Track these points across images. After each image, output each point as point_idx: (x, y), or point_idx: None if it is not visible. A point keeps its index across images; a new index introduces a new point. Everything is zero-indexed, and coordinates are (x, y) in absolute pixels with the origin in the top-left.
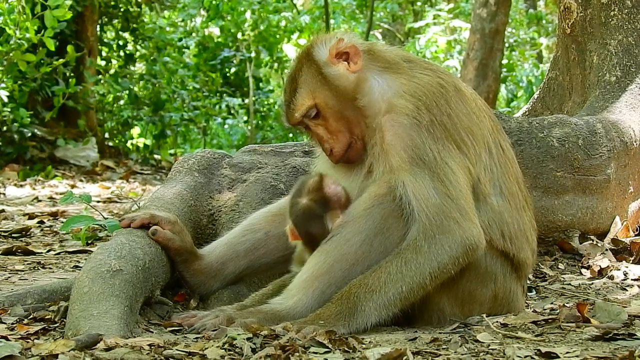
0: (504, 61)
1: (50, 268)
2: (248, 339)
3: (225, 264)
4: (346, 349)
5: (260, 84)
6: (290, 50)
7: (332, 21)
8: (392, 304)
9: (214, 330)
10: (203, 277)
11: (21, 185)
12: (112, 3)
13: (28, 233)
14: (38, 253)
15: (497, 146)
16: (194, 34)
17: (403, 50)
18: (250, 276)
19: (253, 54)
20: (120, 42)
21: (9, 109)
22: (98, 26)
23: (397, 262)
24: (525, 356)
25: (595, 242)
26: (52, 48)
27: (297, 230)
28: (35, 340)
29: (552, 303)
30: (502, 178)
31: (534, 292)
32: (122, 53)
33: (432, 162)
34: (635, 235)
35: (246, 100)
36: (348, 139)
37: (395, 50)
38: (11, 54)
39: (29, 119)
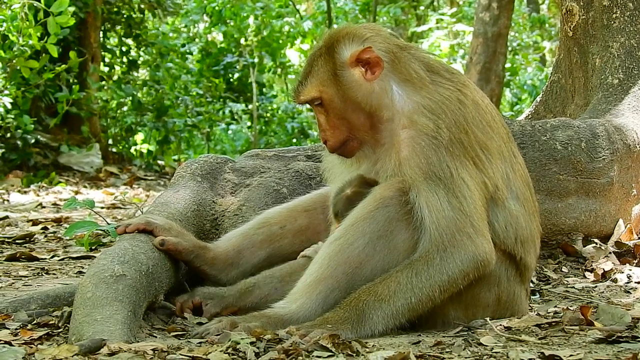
0: (507, 65)
1: (54, 274)
2: (251, 343)
3: (242, 252)
4: (350, 352)
5: (264, 90)
6: (293, 56)
7: (334, 26)
8: (400, 314)
9: (217, 335)
10: (221, 264)
11: (25, 192)
12: (115, 9)
13: (32, 239)
14: (42, 259)
15: (510, 154)
16: (197, 40)
17: (429, 56)
18: (267, 268)
19: (256, 60)
20: (124, 48)
21: (12, 116)
22: (101, 32)
23: (407, 272)
24: (529, 359)
25: (598, 245)
26: (55, 55)
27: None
28: (39, 346)
29: (555, 306)
30: (516, 184)
31: (538, 295)
32: (125, 59)
33: (448, 178)
34: (639, 238)
35: (249, 106)
36: (345, 136)
37: (422, 57)
38: (14, 61)
39: (32, 126)
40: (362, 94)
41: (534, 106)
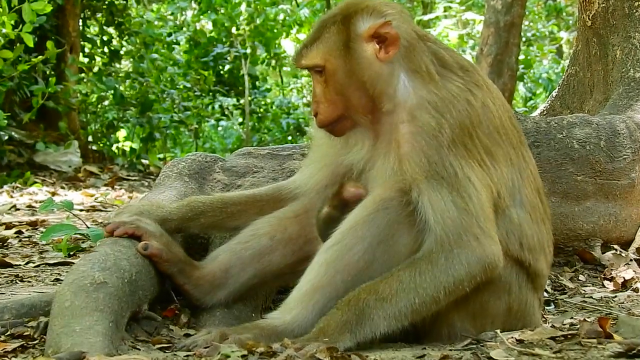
0: (521, 57)
1: (29, 281)
2: (243, 356)
3: (229, 271)
4: None
5: (257, 83)
6: (288, 46)
7: None
8: (403, 315)
9: (205, 347)
10: (207, 285)
11: None
12: None
13: (5, 244)
14: (16, 265)
15: (520, 159)
16: (184, 29)
17: (446, 49)
18: (258, 286)
19: (249, 50)
20: (105, 38)
21: None
22: (80, 20)
23: (410, 271)
24: None
25: (618, 252)
26: (31, 44)
27: (322, 241)
28: (13, 359)
29: (571, 317)
30: (523, 190)
31: (553, 306)
32: (106, 49)
33: (452, 177)
34: None
35: (241, 100)
36: (339, 114)
37: (437, 50)
38: None
39: (5, 121)
40: (369, 73)
41: (549, 101)
